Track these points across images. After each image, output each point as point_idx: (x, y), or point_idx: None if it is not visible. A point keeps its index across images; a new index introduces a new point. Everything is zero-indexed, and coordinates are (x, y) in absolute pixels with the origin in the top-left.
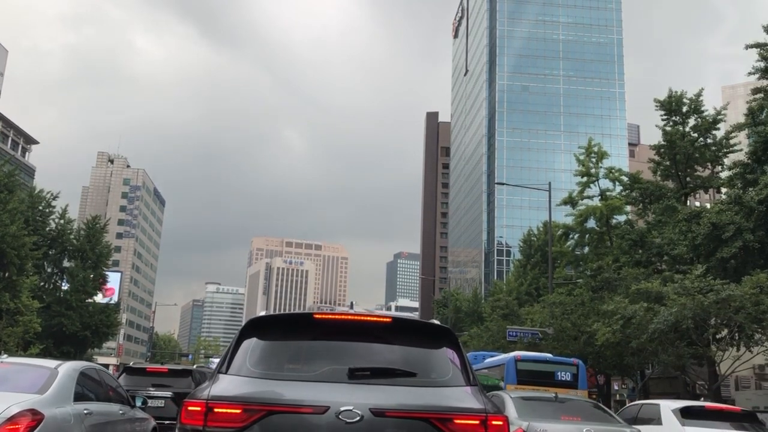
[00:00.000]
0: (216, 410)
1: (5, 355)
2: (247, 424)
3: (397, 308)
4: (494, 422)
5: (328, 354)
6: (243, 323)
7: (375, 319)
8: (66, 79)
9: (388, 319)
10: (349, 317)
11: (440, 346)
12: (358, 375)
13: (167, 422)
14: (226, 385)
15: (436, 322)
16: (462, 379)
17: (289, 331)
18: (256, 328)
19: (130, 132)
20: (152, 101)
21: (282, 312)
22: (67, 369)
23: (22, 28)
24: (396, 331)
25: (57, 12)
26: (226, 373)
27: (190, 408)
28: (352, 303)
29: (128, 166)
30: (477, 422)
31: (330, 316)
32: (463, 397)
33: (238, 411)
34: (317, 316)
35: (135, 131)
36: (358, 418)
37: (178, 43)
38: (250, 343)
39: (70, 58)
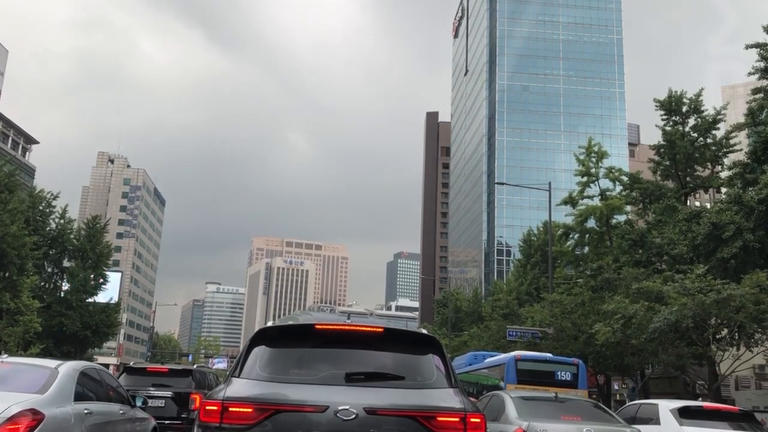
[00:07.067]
0: (231, 409)
1: (5, 355)
2: (257, 421)
3: (397, 308)
4: (472, 419)
5: (328, 360)
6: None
7: (369, 329)
8: (71, 82)
9: (380, 329)
10: (346, 328)
11: (426, 352)
12: (353, 378)
13: (167, 422)
14: (238, 387)
15: (424, 331)
16: (445, 381)
17: (294, 339)
18: (265, 337)
19: (133, 134)
20: (155, 104)
21: (287, 323)
22: (67, 369)
23: (30, 32)
24: (387, 339)
25: (65, 17)
26: (239, 376)
27: (207, 407)
28: (349, 314)
29: (128, 166)
30: (457, 419)
31: (329, 327)
32: (446, 398)
33: (249, 410)
34: (318, 326)
35: (138, 133)
36: (353, 416)
37: (183, 47)
38: (260, 351)
39: (77, 62)
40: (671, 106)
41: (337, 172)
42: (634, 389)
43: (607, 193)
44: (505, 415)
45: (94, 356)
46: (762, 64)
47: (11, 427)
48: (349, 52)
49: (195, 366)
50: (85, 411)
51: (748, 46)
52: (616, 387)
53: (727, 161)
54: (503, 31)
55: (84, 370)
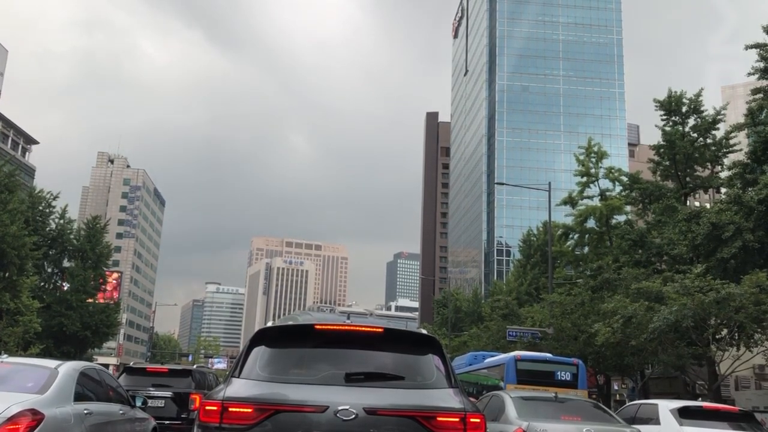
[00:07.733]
0: (230, 409)
1: (5, 355)
2: (257, 421)
3: (397, 308)
4: (472, 419)
5: (328, 360)
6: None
7: (368, 329)
8: (71, 82)
9: (380, 329)
10: (346, 328)
11: (426, 352)
12: (353, 378)
13: (167, 422)
14: (238, 388)
15: (423, 331)
16: (445, 381)
17: (294, 339)
18: (265, 337)
19: (133, 134)
20: (155, 104)
21: (286, 323)
22: (67, 369)
23: (30, 32)
24: (387, 339)
25: (66, 17)
26: (238, 377)
27: (207, 407)
28: (349, 314)
29: (128, 166)
30: (457, 419)
31: (329, 327)
32: (446, 398)
33: (249, 410)
34: (318, 327)
35: (138, 133)
36: (353, 416)
37: (183, 47)
38: (259, 351)
39: (77, 62)
40: (671, 106)
41: (337, 172)
42: (634, 389)
43: (607, 193)
44: (505, 415)
45: (94, 356)
46: (762, 65)
47: (11, 427)
48: (349, 52)
49: (195, 366)
50: (85, 411)
51: (747, 47)
52: (616, 387)
53: (726, 161)
54: (503, 32)
55: (84, 370)
